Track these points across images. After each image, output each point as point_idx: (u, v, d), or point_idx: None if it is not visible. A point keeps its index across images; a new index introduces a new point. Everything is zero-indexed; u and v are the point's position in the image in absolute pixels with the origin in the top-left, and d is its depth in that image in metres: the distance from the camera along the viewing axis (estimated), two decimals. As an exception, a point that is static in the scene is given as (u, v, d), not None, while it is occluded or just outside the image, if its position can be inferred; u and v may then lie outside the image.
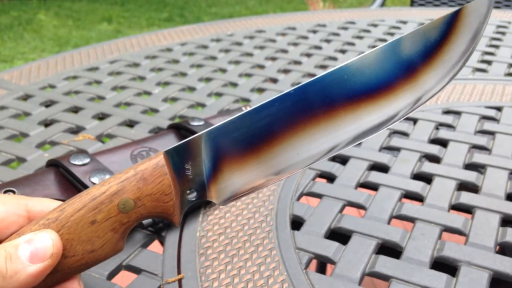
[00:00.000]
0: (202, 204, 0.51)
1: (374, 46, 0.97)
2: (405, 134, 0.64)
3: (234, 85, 0.82)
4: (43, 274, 0.31)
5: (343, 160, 0.59)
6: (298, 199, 0.52)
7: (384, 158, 0.58)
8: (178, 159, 0.35)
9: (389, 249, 0.45)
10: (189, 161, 0.35)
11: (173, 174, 0.34)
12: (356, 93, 0.35)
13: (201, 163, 0.35)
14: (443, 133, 0.64)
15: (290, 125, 0.35)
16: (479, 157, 0.58)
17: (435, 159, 0.59)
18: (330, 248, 0.45)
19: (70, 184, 0.50)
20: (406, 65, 0.35)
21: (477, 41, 0.35)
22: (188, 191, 0.36)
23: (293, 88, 0.34)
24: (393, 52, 0.35)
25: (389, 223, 0.48)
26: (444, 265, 0.43)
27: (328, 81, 0.34)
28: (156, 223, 0.48)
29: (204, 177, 0.35)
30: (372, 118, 0.35)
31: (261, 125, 0.35)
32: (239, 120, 0.35)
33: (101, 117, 0.72)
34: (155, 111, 0.74)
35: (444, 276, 0.41)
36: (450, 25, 0.34)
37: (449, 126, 0.66)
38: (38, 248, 0.30)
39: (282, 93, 0.34)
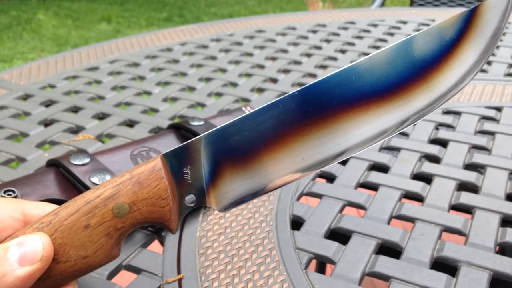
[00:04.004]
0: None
1: (374, 46, 0.97)
2: (405, 134, 0.64)
3: (234, 85, 0.82)
4: (33, 277, 0.30)
5: (343, 160, 0.59)
6: (298, 199, 0.52)
7: (384, 158, 0.58)
8: (176, 162, 0.33)
9: (389, 249, 0.45)
10: (188, 165, 0.33)
11: (170, 178, 0.33)
12: (365, 94, 0.32)
13: (200, 167, 0.34)
14: (443, 133, 0.64)
15: (294, 129, 0.33)
16: (479, 157, 0.58)
17: (435, 159, 0.59)
18: (330, 248, 0.45)
19: (70, 184, 0.50)
20: (419, 65, 0.32)
21: (497, 40, 0.32)
22: (186, 196, 0.34)
23: (297, 89, 0.32)
24: (405, 52, 0.32)
25: (389, 223, 0.48)
26: (444, 265, 0.43)
27: (335, 82, 0.32)
28: (156, 223, 0.48)
29: (203, 182, 0.34)
30: (382, 121, 0.33)
31: (264, 128, 0.33)
32: (241, 122, 0.33)
33: (101, 117, 0.72)
34: (155, 111, 0.74)
35: (444, 276, 0.41)
36: (467, 23, 0.32)
37: (449, 126, 0.66)
38: (27, 250, 0.30)
39: (286, 95, 0.32)
